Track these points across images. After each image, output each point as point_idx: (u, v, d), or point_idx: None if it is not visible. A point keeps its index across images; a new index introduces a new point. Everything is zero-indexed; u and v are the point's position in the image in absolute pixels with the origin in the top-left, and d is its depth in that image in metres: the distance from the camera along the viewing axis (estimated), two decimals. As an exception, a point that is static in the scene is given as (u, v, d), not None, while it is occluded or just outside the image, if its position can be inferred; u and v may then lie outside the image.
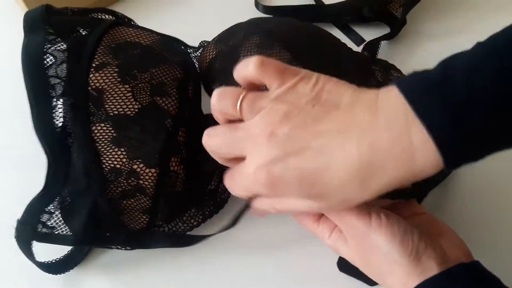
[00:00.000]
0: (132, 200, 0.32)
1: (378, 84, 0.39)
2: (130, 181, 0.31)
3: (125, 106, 0.31)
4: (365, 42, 0.48)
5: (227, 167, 0.32)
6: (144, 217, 0.33)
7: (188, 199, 0.35)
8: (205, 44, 0.41)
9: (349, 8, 0.50)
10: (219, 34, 0.39)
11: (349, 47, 0.41)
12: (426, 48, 0.49)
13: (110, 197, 0.32)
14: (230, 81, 0.29)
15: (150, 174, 0.31)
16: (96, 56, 0.32)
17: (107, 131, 0.31)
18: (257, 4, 0.54)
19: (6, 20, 0.54)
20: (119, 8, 0.50)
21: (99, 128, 0.31)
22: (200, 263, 0.37)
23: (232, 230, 0.37)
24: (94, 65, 0.32)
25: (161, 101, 0.32)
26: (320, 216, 0.33)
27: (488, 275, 0.27)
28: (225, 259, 0.37)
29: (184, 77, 0.34)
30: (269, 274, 0.37)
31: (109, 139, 0.31)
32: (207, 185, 0.36)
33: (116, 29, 0.35)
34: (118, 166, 0.31)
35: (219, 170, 0.36)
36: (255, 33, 0.35)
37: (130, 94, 0.31)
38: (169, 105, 0.32)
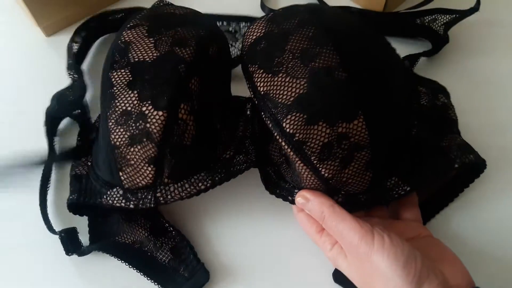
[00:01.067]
0: (139, 147, 0.31)
1: (421, 109, 0.37)
2: (138, 124, 0.31)
3: (145, 54, 0.33)
4: (406, 55, 0.48)
5: (245, 140, 0.37)
6: (149, 168, 0.32)
7: (198, 160, 0.34)
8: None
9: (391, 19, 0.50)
10: (273, 13, 0.36)
11: (403, 63, 0.39)
12: (464, 64, 0.49)
13: (119, 144, 0.32)
14: (270, 67, 0.32)
15: (157, 116, 0.31)
16: (132, 20, 0.35)
17: (125, 75, 0.32)
18: (263, 6, 0.54)
19: (6, 20, 0.54)
20: (121, 6, 0.50)
21: (119, 73, 0.33)
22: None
23: (225, 240, 0.39)
24: (128, 25, 0.35)
25: (178, 50, 0.33)
26: (323, 228, 0.33)
27: None
28: (220, 269, 0.37)
29: (207, 36, 0.35)
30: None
31: (125, 82, 0.32)
32: (222, 153, 0.35)
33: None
34: (129, 108, 0.32)
35: (237, 142, 0.36)
36: (311, 24, 0.33)
37: (153, 44, 0.33)
38: (185, 53, 0.33)
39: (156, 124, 0.31)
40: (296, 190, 0.34)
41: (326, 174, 0.31)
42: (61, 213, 0.39)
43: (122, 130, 0.32)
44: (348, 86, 0.30)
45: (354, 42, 0.33)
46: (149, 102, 0.31)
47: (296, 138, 0.30)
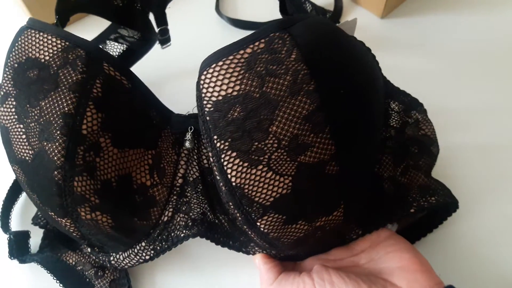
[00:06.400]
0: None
1: (386, 135, 0.33)
2: (61, 225, 0.30)
3: (23, 151, 0.29)
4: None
5: (186, 187, 0.33)
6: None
7: (131, 234, 0.33)
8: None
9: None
10: (253, 50, 0.25)
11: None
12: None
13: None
14: (246, 153, 0.25)
15: (64, 222, 0.29)
16: (3, 81, 0.30)
17: (20, 173, 0.30)
18: (218, 11, 0.54)
19: (5, 20, 0.56)
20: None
21: (14, 168, 0.30)
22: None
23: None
24: (2, 92, 0.30)
25: (47, 148, 0.28)
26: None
27: None
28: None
29: (76, 109, 0.27)
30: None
31: (23, 181, 0.30)
32: (159, 216, 0.33)
33: (27, 34, 0.30)
34: (38, 207, 0.31)
35: (176, 196, 0.33)
36: (308, 92, 0.24)
37: (25, 136, 0.28)
38: (53, 154, 0.27)
39: (69, 227, 0.30)
40: (252, 244, 0.33)
41: (292, 252, 0.32)
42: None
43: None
44: (338, 181, 0.26)
45: (353, 112, 0.26)
46: (48, 209, 0.29)
47: (270, 236, 0.28)
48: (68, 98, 0.27)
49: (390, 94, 0.33)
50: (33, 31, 0.30)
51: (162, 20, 0.42)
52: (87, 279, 0.37)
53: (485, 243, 0.38)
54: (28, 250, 0.38)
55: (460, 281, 0.34)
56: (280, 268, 0.32)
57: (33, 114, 0.28)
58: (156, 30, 0.44)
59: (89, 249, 0.35)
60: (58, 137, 0.27)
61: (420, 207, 0.32)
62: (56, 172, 0.27)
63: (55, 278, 0.37)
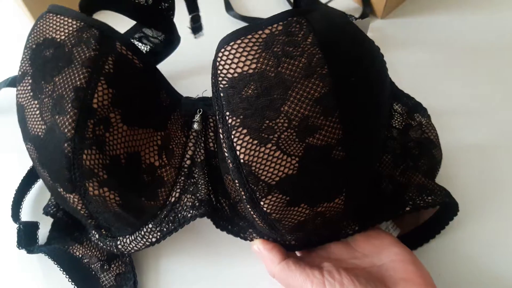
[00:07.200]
0: (77, 218, 0.33)
1: (387, 135, 0.33)
2: (66, 205, 0.31)
3: (36, 126, 0.29)
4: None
5: (193, 168, 0.33)
6: (93, 232, 0.34)
7: (138, 216, 0.33)
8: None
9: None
10: (271, 32, 0.26)
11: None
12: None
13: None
14: (257, 130, 0.25)
15: (72, 198, 0.30)
16: (21, 62, 0.31)
17: (32, 151, 0.31)
18: (228, 8, 0.54)
19: (5, 21, 0.56)
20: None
21: (28, 147, 0.31)
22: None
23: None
24: (20, 72, 0.31)
25: (58, 121, 0.28)
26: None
27: None
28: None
29: (88, 83, 0.28)
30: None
31: (35, 159, 0.31)
32: (166, 197, 0.33)
33: (46, 18, 0.31)
34: (48, 185, 0.31)
35: (184, 177, 0.33)
36: (322, 75, 0.25)
37: (38, 112, 0.29)
38: (64, 126, 0.28)
39: (77, 204, 0.30)
40: (250, 230, 0.33)
41: (292, 242, 0.31)
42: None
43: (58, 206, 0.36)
44: (342, 167, 0.26)
45: (362, 100, 0.27)
46: (58, 185, 0.30)
47: (272, 217, 0.28)
48: (80, 72, 0.28)
49: (394, 95, 0.33)
50: (51, 14, 0.31)
51: (193, 5, 0.41)
52: (93, 272, 0.37)
53: (485, 244, 0.37)
54: (36, 240, 0.38)
55: (461, 283, 0.35)
56: (282, 249, 0.32)
57: (47, 89, 0.29)
58: (188, 17, 0.44)
59: (96, 235, 0.35)
60: (69, 110, 0.28)
61: (416, 205, 0.32)
62: (66, 145, 0.28)
63: (61, 269, 0.37)
